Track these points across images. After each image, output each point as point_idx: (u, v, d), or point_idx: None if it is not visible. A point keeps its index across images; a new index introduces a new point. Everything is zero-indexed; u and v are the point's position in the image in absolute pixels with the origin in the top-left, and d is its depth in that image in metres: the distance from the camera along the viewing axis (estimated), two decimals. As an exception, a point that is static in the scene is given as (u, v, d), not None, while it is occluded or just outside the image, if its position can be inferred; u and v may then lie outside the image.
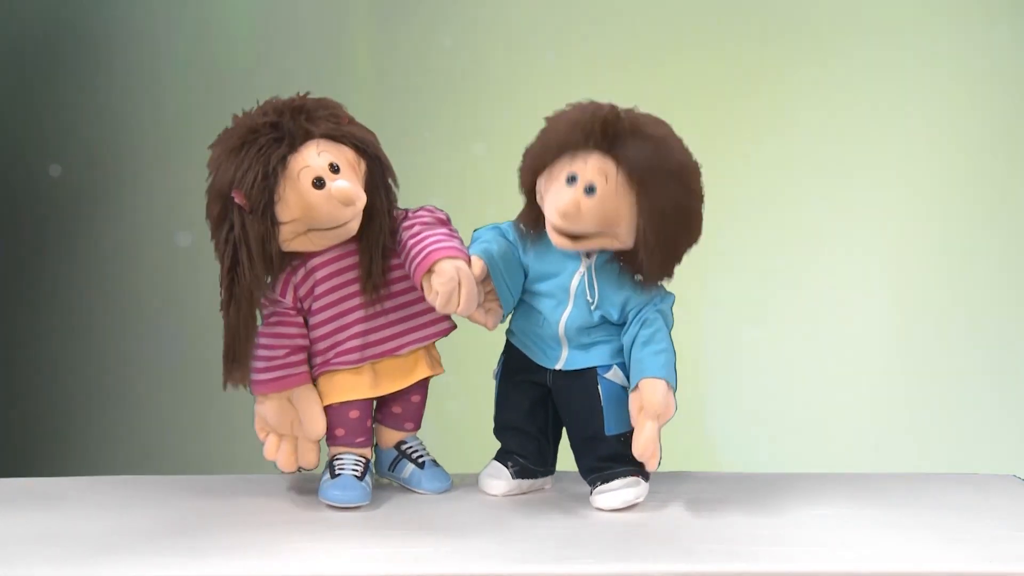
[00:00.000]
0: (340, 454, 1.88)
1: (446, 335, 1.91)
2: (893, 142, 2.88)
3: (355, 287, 1.86)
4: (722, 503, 1.86)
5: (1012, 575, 1.60)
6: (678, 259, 1.79)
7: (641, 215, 1.74)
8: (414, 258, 1.80)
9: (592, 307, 1.82)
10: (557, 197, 1.75)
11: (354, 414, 1.88)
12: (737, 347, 2.92)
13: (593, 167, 1.74)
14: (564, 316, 1.83)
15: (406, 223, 1.85)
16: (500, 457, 1.94)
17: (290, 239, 1.80)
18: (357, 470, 1.87)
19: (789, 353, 2.90)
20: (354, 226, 1.82)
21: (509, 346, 1.91)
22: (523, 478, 1.92)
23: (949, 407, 2.85)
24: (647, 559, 1.63)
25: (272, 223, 1.78)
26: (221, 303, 1.80)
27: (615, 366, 1.83)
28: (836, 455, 2.82)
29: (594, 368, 1.83)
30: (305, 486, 1.93)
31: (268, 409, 1.85)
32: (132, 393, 2.90)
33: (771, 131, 2.88)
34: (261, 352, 1.84)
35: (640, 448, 1.76)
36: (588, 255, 1.81)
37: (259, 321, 1.84)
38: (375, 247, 1.84)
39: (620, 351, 1.83)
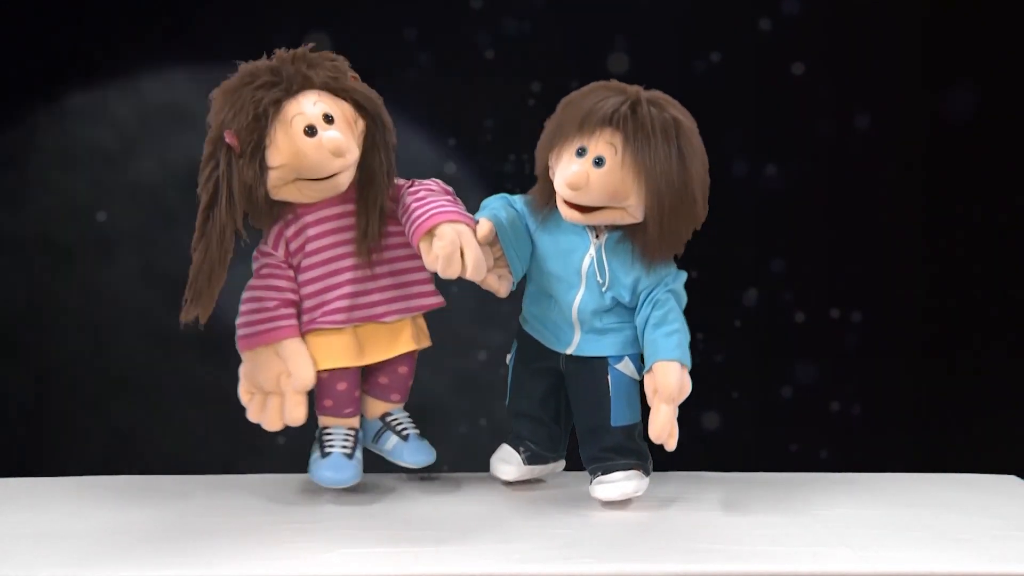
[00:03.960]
0: (328, 427, 1.88)
1: (434, 308, 1.91)
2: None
3: (347, 247, 1.85)
4: (722, 503, 1.86)
5: (1012, 575, 1.60)
6: (685, 235, 1.81)
7: (648, 188, 1.75)
8: (415, 220, 1.78)
9: (603, 288, 1.82)
10: (566, 170, 1.77)
11: (342, 386, 1.87)
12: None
13: (602, 140, 1.76)
14: (577, 299, 1.84)
15: (412, 188, 1.85)
16: (512, 442, 1.94)
17: (279, 186, 1.80)
18: (347, 447, 1.87)
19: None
20: (343, 180, 1.81)
21: (522, 333, 1.92)
22: (534, 464, 1.93)
23: (949, 407, 2.85)
24: (647, 559, 1.63)
25: (261, 167, 1.78)
26: (193, 240, 1.78)
27: (627, 357, 1.84)
28: (836, 455, 2.82)
29: (605, 358, 1.84)
30: (305, 487, 1.93)
31: (254, 365, 1.83)
32: (130, 391, 2.90)
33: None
34: (251, 305, 1.84)
35: (656, 431, 1.76)
36: (597, 235, 1.82)
37: (226, 263, 1.79)
38: (372, 208, 1.84)
39: (634, 340, 1.84)
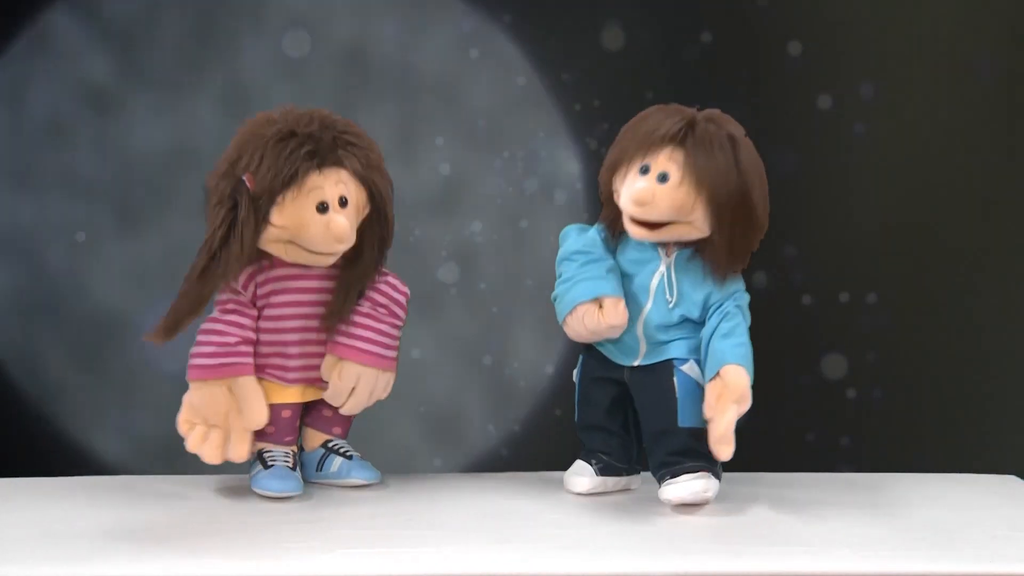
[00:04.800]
0: (269, 448, 1.90)
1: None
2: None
3: (304, 310, 1.88)
4: (721, 503, 1.86)
5: (1012, 575, 1.60)
6: (750, 246, 1.85)
7: (710, 199, 1.79)
8: (341, 332, 1.87)
9: (670, 305, 1.84)
10: (631, 187, 1.81)
11: (286, 414, 1.90)
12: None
13: (664, 157, 1.80)
14: (643, 315, 1.86)
15: (370, 294, 1.89)
16: (585, 456, 1.95)
17: (271, 242, 1.82)
18: (288, 461, 1.89)
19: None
20: (332, 260, 1.85)
21: (588, 346, 1.93)
22: (607, 475, 1.93)
23: (950, 407, 2.84)
24: (647, 558, 1.63)
25: (264, 218, 1.80)
26: (192, 269, 1.80)
27: (692, 360, 1.85)
28: (836, 455, 2.82)
29: (671, 360, 1.85)
30: (305, 487, 1.93)
31: (204, 397, 1.84)
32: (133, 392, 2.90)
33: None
34: (212, 337, 1.85)
35: (721, 431, 1.77)
36: (667, 253, 1.85)
37: (208, 302, 1.83)
38: (351, 290, 1.87)
39: (698, 348, 1.86)
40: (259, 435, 1.89)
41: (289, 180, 1.78)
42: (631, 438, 1.93)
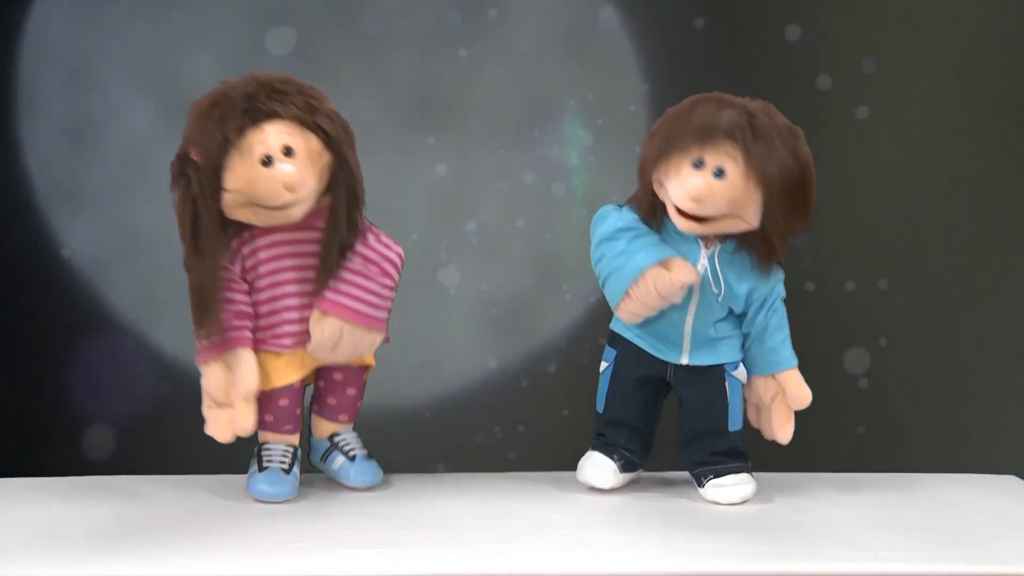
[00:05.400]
0: (268, 443, 1.91)
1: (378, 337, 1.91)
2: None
3: (298, 272, 1.87)
4: (721, 503, 1.86)
5: (1012, 575, 1.60)
6: (793, 238, 1.85)
7: (771, 194, 1.77)
8: (327, 289, 1.85)
9: (719, 298, 1.84)
10: (686, 182, 1.78)
11: (283, 402, 1.90)
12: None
13: (721, 151, 1.78)
14: (691, 310, 1.85)
15: (359, 249, 1.87)
16: (605, 449, 1.93)
17: (233, 207, 1.82)
18: (284, 462, 1.89)
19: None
20: (296, 212, 1.83)
21: (623, 342, 1.91)
22: (627, 472, 1.94)
23: (949, 407, 2.84)
24: (647, 559, 1.63)
25: (218, 187, 1.80)
26: (185, 258, 1.82)
27: (740, 364, 1.88)
28: (836, 455, 2.82)
29: (722, 365, 1.86)
30: (305, 487, 1.93)
31: (208, 378, 1.85)
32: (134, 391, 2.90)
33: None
34: None
35: (788, 438, 1.89)
36: (707, 245, 1.84)
37: (218, 281, 1.84)
38: (332, 243, 1.85)
39: (742, 346, 1.88)
40: (260, 424, 1.89)
41: (225, 142, 1.79)
42: (653, 436, 1.94)
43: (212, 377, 1.85)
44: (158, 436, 2.83)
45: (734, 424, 1.88)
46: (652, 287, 1.80)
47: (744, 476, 1.87)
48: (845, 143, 2.77)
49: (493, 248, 2.86)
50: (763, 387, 1.88)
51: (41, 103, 2.83)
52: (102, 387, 2.88)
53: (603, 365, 1.94)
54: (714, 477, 1.86)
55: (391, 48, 2.81)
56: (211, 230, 1.80)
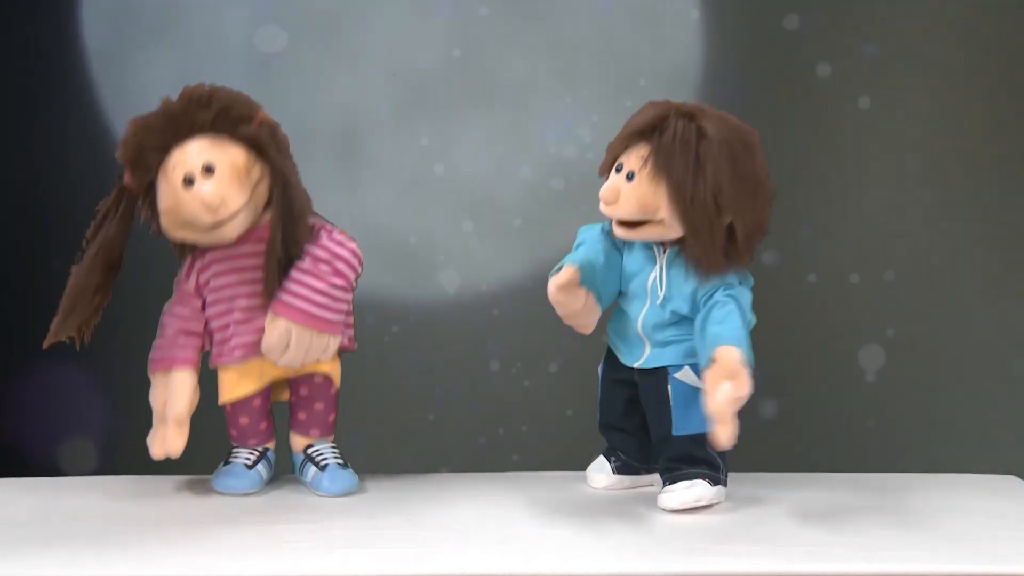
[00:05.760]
0: (236, 447, 1.94)
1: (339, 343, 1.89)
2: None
3: (242, 288, 1.86)
4: (722, 503, 1.86)
5: (1012, 575, 1.60)
6: (740, 250, 1.78)
7: (670, 200, 1.76)
8: (279, 290, 1.81)
9: (659, 302, 1.84)
10: (603, 185, 1.81)
11: (244, 420, 1.92)
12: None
13: (635, 154, 1.79)
14: (642, 314, 1.86)
15: (312, 250, 1.83)
16: (606, 452, 1.97)
17: (170, 229, 1.81)
18: (249, 459, 1.91)
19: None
20: (229, 231, 1.80)
21: (608, 347, 1.94)
22: (624, 474, 1.95)
23: (950, 407, 2.84)
24: (646, 559, 1.63)
25: (153, 209, 1.81)
26: (75, 260, 1.82)
27: (687, 366, 1.84)
28: (836, 455, 2.81)
29: (666, 368, 1.85)
30: (305, 487, 1.93)
31: (152, 391, 1.87)
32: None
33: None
34: (158, 331, 1.88)
35: (712, 408, 1.69)
36: (663, 252, 1.84)
37: (90, 293, 1.83)
38: (272, 253, 1.82)
39: (694, 351, 1.82)
40: (229, 436, 1.93)
41: (146, 168, 1.78)
42: (648, 437, 1.92)
43: (154, 392, 1.86)
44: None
45: (681, 428, 1.82)
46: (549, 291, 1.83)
47: (695, 481, 1.82)
48: (847, 134, 2.76)
49: (493, 248, 2.85)
50: (707, 376, 1.74)
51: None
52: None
53: (599, 367, 1.96)
54: (669, 484, 1.84)
55: (390, 45, 2.82)
56: (110, 247, 1.81)
